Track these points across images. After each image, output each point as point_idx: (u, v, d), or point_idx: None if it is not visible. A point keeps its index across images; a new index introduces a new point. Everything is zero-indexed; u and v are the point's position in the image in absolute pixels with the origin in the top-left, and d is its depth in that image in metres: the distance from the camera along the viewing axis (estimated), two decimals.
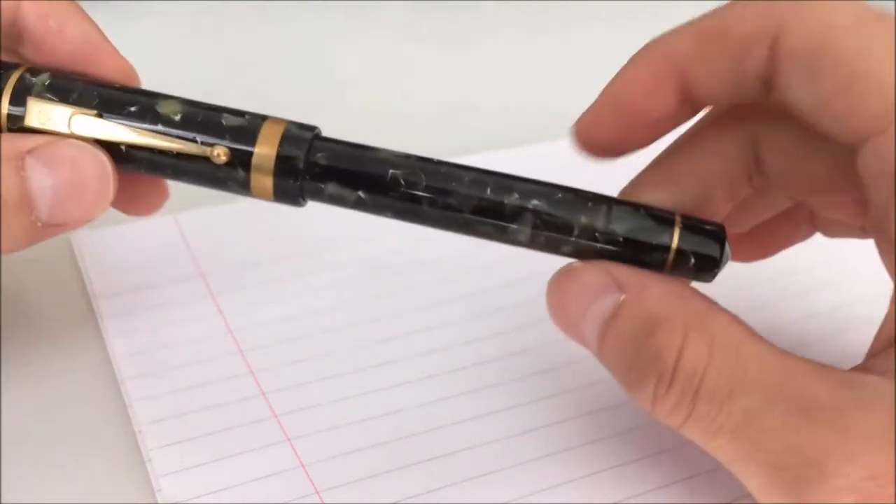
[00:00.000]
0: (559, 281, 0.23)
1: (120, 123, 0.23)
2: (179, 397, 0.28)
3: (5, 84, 0.24)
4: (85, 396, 0.28)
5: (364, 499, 0.25)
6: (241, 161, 0.23)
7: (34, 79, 0.24)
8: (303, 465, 0.26)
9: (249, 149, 0.23)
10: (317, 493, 0.25)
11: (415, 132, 0.39)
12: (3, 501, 0.25)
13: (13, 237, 0.23)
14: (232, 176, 0.23)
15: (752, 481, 0.21)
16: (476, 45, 0.49)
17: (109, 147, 0.24)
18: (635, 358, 0.21)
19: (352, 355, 0.30)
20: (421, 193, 0.23)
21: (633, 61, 0.24)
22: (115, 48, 0.25)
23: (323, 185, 0.23)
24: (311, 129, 0.24)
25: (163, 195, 0.28)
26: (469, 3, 0.52)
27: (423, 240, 0.34)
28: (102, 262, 0.32)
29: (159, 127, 0.23)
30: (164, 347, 0.29)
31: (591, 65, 0.48)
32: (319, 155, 0.23)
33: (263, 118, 0.24)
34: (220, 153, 0.23)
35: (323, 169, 0.23)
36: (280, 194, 0.24)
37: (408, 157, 0.23)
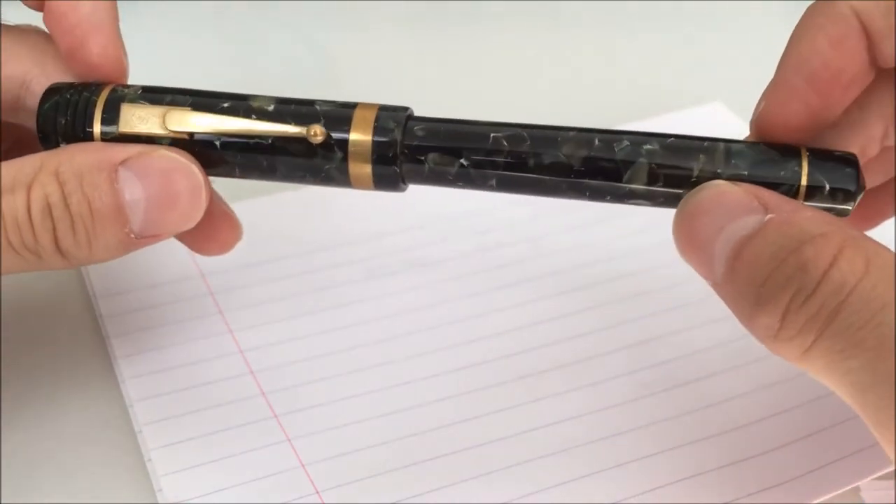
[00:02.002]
0: (697, 196, 0.21)
1: (215, 115, 0.23)
2: (179, 397, 0.28)
3: (98, 96, 0.23)
4: (85, 396, 0.28)
5: (364, 499, 0.25)
6: (338, 145, 0.23)
7: (126, 90, 0.24)
8: (303, 465, 0.26)
9: (345, 127, 0.23)
10: (317, 493, 0.25)
11: None
12: (3, 501, 0.25)
13: (107, 247, 0.23)
14: (330, 159, 0.23)
15: (890, 410, 0.18)
16: (478, 42, 0.49)
17: (204, 147, 0.23)
18: (773, 272, 0.19)
19: (352, 355, 0.30)
20: (526, 151, 0.22)
21: (812, 20, 0.22)
22: (116, 36, 0.25)
23: (423, 162, 0.23)
24: (404, 109, 0.23)
25: (236, 232, 0.27)
26: (471, 2, 0.52)
27: (423, 240, 0.34)
28: (104, 262, 0.32)
29: (254, 117, 0.23)
30: (164, 347, 0.29)
31: (594, 62, 0.48)
32: (416, 131, 0.23)
33: (354, 105, 0.23)
34: (316, 132, 0.23)
35: (421, 145, 0.23)
36: (380, 180, 0.23)
37: (507, 123, 0.23)
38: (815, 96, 0.22)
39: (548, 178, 0.22)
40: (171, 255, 0.33)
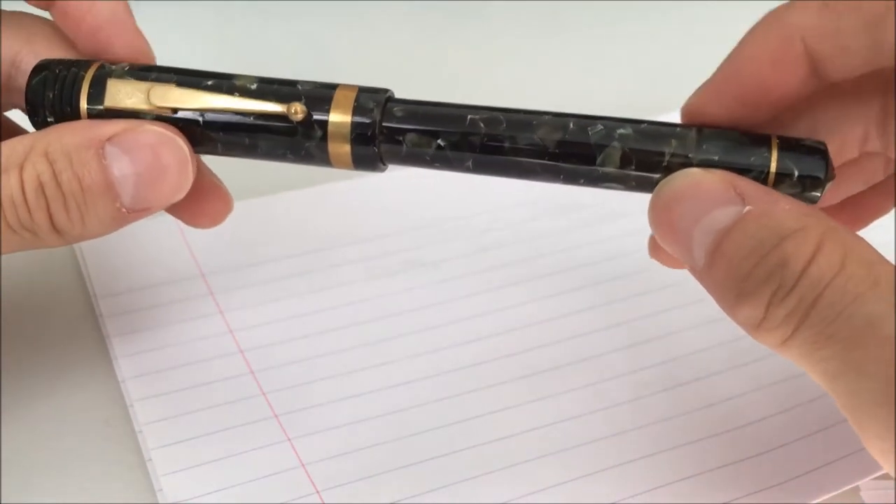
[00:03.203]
0: (673, 184, 0.22)
1: (198, 90, 0.24)
2: (179, 397, 0.28)
3: (86, 72, 0.24)
4: (85, 396, 0.28)
5: (364, 499, 0.25)
6: (318, 124, 0.23)
7: (113, 66, 0.24)
8: (303, 465, 0.26)
9: (325, 106, 0.23)
10: (317, 492, 0.25)
11: None
12: (3, 501, 0.25)
13: (101, 222, 0.23)
14: (310, 137, 0.23)
15: (857, 396, 0.20)
16: (478, 43, 0.49)
17: (188, 124, 0.24)
18: (754, 267, 0.20)
19: (352, 355, 0.30)
20: (502, 134, 0.23)
21: (754, 32, 0.22)
22: (138, 31, 0.25)
23: (401, 143, 0.23)
24: (384, 91, 0.24)
25: (226, 203, 0.27)
26: (471, 2, 0.52)
27: (423, 240, 0.34)
28: (104, 262, 0.32)
29: (236, 95, 0.24)
30: (164, 347, 0.29)
31: (589, 64, 0.48)
32: (394, 112, 0.23)
33: (335, 86, 0.24)
34: (296, 109, 0.23)
35: (398, 125, 0.23)
36: (359, 160, 0.24)
37: (484, 106, 0.23)
38: (742, 107, 0.23)
39: (523, 160, 0.23)
40: (172, 255, 0.33)
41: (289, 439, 0.27)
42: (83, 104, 0.24)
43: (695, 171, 0.22)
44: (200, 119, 0.24)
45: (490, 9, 0.52)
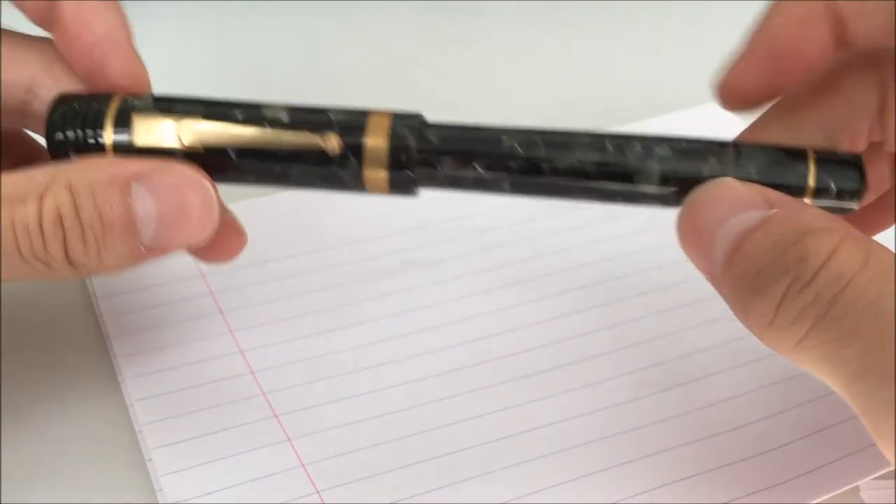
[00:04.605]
0: (704, 190, 0.22)
1: (228, 124, 0.23)
2: (179, 397, 0.28)
3: (108, 107, 0.23)
4: (85, 396, 0.28)
5: (364, 499, 0.25)
6: (353, 151, 0.23)
7: (136, 101, 0.24)
8: (303, 465, 0.26)
9: (360, 135, 0.23)
10: (317, 493, 0.25)
11: None
12: (3, 501, 0.25)
13: (117, 259, 0.23)
14: (345, 166, 0.23)
15: (878, 399, 0.19)
16: (478, 42, 0.49)
17: (218, 156, 0.23)
18: (772, 261, 0.20)
19: (352, 355, 0.30)
20: (540, 157, 0.23)
21: (782, 1, 0.23)
22: (134, 53, 0.25)
23: (437, 168, 0.23)
24: (416, 115, 0.24)
25: (241, 239, 0.27)
26: (471, 2, 0.52)
27: (423, 240, 0.34)
28: (112, 273, 0.32)
29: (267, 127, 0.23)
30: (164, 347, 0.29)
31: (594, 62, 0.48)
32: (430, 139, 0.23)
33: (367, 112, 0.23)
34: (332, 141, 0.23)
35: (435, 151, 0.23)
36: (395, 185, 0.23)
37: (519, 128, 0.23)
38: (776, 69, 0.23)
39: (561, 182, 0.23)
40: (172, 255, 0.33)
41: (289, 439, 0.27)
42: (108, 141, 0.23)
43: (727, 179, 0.22)
44: (231, 153, 0.23)
45: (490, 9, 0.52)
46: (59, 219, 0.22)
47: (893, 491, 0.26)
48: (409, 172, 0.23)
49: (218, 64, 0.45)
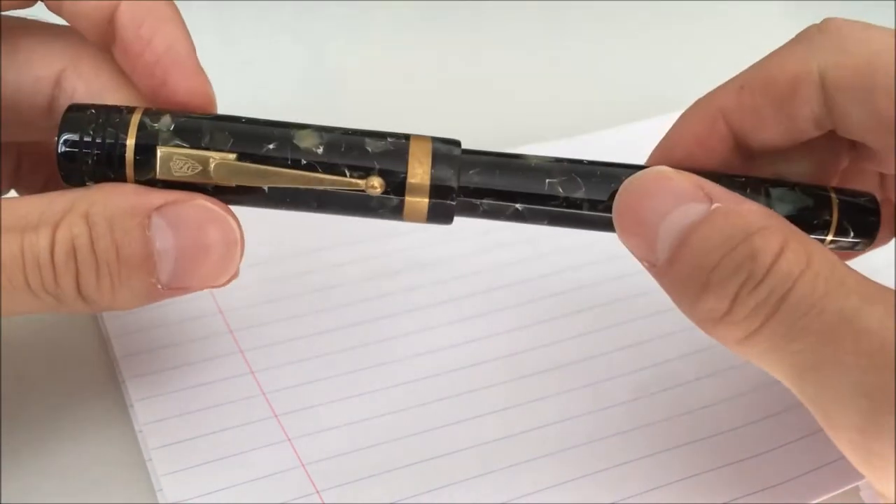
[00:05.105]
0: (642, 179, 0.22)
1: (262, 166, 0.22)
2: (179, 397, 0.28)
3: (127, 132, 0.22)
4: (85, 396, 0.28)
5: (364, 499, 0.25)
6: (395, 189, 0.22)
7: (156, 124, 0.22)
8: (303, 465, 0.26)
9: (402, 173, 0.22)
10: (317, 493, 0.25)
11: (417, 131, 0.39)
12: (3, 501, 0.25)
13: (132, 296, 0.22)
14: (385, 204, 0.23)
15: (830, 389, 0.20)
16: (477, 43, 0.49)
17: (249, 191, 0.22)
18: (722, 258, 0.20)
19: (352, 355, 0.30)
20: (581, 198, 0.23)
21: (683, 116, 0.25)
22: (198, 68, 0.24)
23: (478, 202, 0.23)
24: (456, 143, 0.23)
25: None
26: (471, 2, 0.52)
27: (423, 240, 0.34)
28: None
29: (303, 164, 0.22)
30: (164, 347, 0.29)
31: (592, 65, 0.48)
32: (472, 172, 0.23)
33: (406, 137, 0.23)
34: (375, 184, 0.22)
35: (478, 189, 0.23)
36: (434, 216, 0.23)
37: (559, 160, 0.23)
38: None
39: (600, 216, 0.23)
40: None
41: (289, 439, 0.27)
42: (130, 175, 0.22)
43: (663, 168, 0.22)
44: (265, 189, 0.22)
45: (490, 9, 0.52)
46: (73, 251, 0.21)
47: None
48: (449, 204, 0.23)
49: (218, 63, 0.45)
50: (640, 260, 0.23)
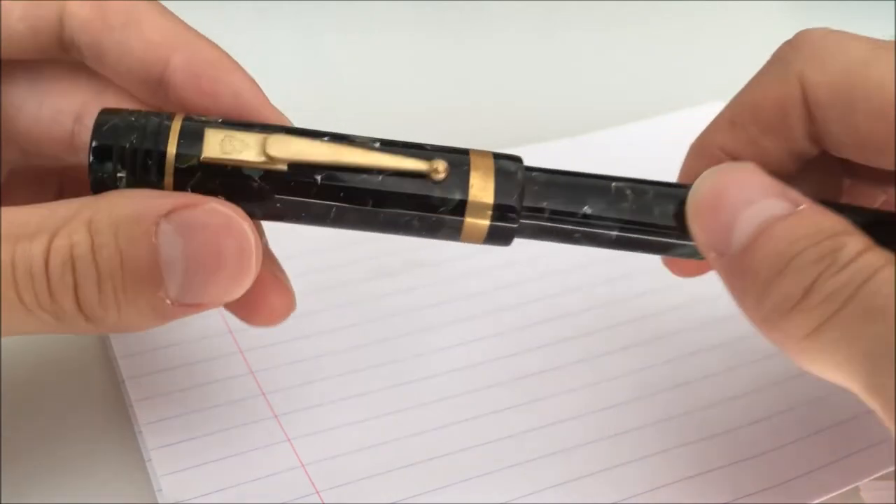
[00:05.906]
0: (732, 167, 0.22)
1: (322, 142, 0.20)
2: (179, 397, 0.28)
3: (170, 120, 0.20)
4: (85, 396, 0.28)
5: (364, 499, 0.25)
6: (453, 210, 0.21)
7: (203, 117, 0.21)
8: (303, 465, 0.26)
9: (464, 193, 0.21)
10: (317, 493, 0.25)
11: (417, 132, 0.39)
12: (3, 501, 0.25)
13: (139, 313, 0.20)
14: (447, 203, 0.21)
15: None
16: (477, 43, 0.49)
17: (299, 187, 0.20)
18: (806, 248, 0.20)
19: (352, 355, 0.30)
20: (645, 223, 0.22)
21: (687, 162, 0.25)
22: (272, 106, 0.22)
23: (538, 223, 0.22)
24: (517, 160, 0.22)
25: (288, 303, 0.24)
26: (471, 2, 0.52)
27: (422, 241, 0.34)
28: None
29: (365, 148, 0.21)
30: (164, 347, 0.29)
31: (593, 63, 0.48)
32: (539, 196, 0.22)
33: (466, 151, 0.21)
34: (439, 168, 0.20)
35: (541, 208, 0.22)
36: (492, 237, 0.22)
37: (614, 179, 0.22)
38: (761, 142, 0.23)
39: (662, 238, 0.23)
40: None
41: (289, 439, 0.27)
42: (171, 151, 0.20)
43: (751, 164, 0.22)
44: (317, 179, 0.20)
45: (491, 9, 0.52)
46: (72, 261, 0.19)
47: (893, 491, 0.26)
48: (510, 226, 0.21)
49: None
50: (706, 249, 0.22)
